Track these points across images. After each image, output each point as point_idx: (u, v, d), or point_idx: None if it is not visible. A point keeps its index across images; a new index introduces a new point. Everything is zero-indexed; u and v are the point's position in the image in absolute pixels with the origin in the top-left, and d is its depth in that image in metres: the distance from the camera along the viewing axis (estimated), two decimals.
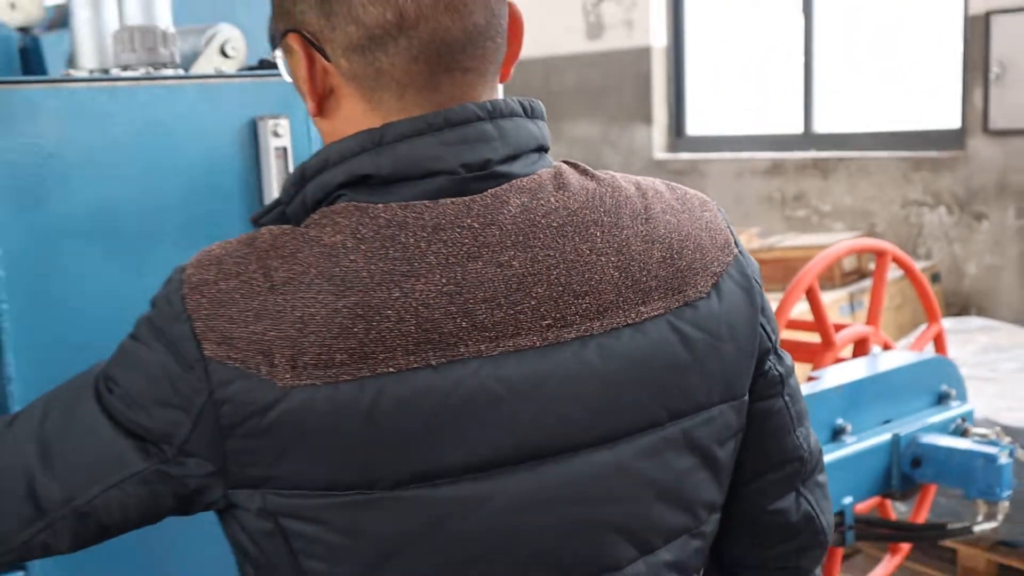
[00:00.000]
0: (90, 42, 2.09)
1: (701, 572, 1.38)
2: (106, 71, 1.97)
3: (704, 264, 1.29)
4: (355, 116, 1.25)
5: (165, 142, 1.85)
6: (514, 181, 1.23)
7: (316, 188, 1.22)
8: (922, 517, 3.28)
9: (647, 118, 7.90)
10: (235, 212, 1.92)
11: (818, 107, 7.22)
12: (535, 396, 1.20)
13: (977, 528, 2.91)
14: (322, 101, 1.26)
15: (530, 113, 1.27)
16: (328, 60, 1.23)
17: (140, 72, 1.85)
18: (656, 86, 7.88)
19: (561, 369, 1.21)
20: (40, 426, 1.26)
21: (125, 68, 1.90)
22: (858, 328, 3.21)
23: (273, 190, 1.91)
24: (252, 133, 1.92)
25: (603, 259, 1.23)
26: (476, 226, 1.20)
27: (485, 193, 1.21)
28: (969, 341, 5.08)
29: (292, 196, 1.25)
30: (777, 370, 1.38)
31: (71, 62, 2.17)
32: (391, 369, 1.15)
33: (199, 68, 2.14)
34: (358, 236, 1.17)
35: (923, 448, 2.89)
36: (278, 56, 1.30)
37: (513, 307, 1.19)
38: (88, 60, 2.09)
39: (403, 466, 1.18)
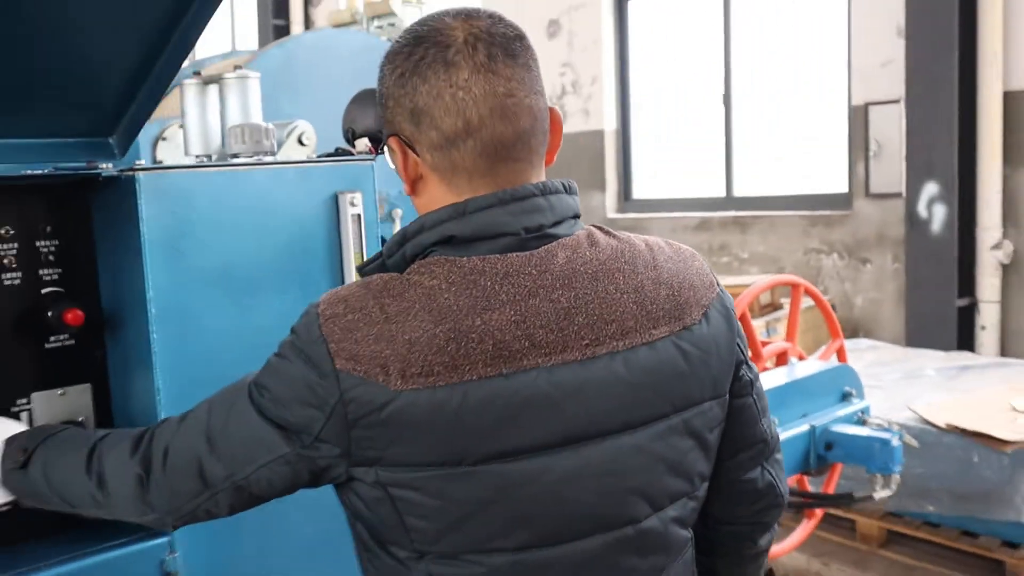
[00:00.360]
0: (197, 134, 2.12)
1: (692, 526, 1.41)
2: (224, 157, 1.99)
3: (696, 299, 1.33)
4: (438, 195, 1.30)
5: (270, 211, 1.85)
6: (560, 240, 1.28)
7: (414, 246, 1.28)
8: (831, 489, 3.30)
9: (601, 186, 7.92)
10: (321, 265, 1.91)
11: (737, 175, 7.27)
12: (577, 396, 1.25)
13: (876, 496, 2.95)
14: (414, 184, 1.32)
15: (568, 190, 1.32)
16: (417, 155, 1.29)
17: (252, 159, 1.89)
18: (608, 160, 7.91)
19: (596, 376, 1.25)
20: (206, 423, 1.31)
21: (236, 156, 1.92)
22: (779, 344, 3.22)
23: (350, 247, 1.91)
24: (334, 204, 1.92)
25: (625, 296, 1.28)
26: (535, 273, 1.25)
27: (540, 249, 1.27)
28: (859, 358, 5.07)
29: (393, 252, 1.30)
30: (748, 376, 1.42)
31: (185, 149, 2.18)
32: (474, 377, 1.20)
33: (283, 154, 2.16)
34: (449, 280, 1.22)
35: (833, 435, 2.94)
36: (385, 151, 1.35)
37: (561, 331, 1.24)
38: (196, 148, 2.12)
39: (481, 448, 1.22)
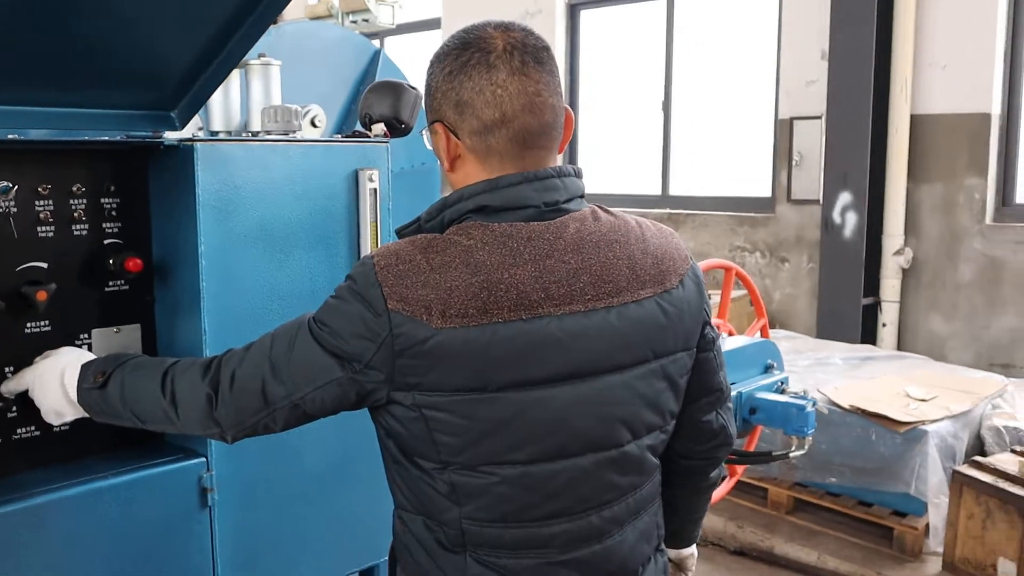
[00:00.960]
0: (220, 112, 2.17)
1: (660, 456, 1.56)
2: (252, 133, 2.10)
3: (675, 268, 1.49)
4: (473, 172, 1.45)
5: (302, 181, 1.97)
6: (571, 214, 1.43)
7: (453, 212, 1.43)
8: (751, 449, 3.41)
9: None
10: (342, 228, 2.03)
11: (673, 176, 7.35)
12: (580, 339, 1.39)
13: (792, 454, 3.04)
14: (453, 162, 1.46)
15: (577, 174, 1.48)
16: (459, 139, 1.45)
17: (286, 135, 2.01)
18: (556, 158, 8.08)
19: (595, 325, 1.40)
20: (270, 351, 1.45)
21: (268, 132, 2.04)
22: (713, 321, 3.33)
23: (367, 215, 2.05)
24: (354, 178, 2.05)
25: (620, 262, 1.43)
26: (551, 239, 1.40)
27: (555, 220, 1.42)
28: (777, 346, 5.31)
29: (433, 217, 1.45)
30: (711, 335, 1.58)
31: (206, 126, 2.22)
32: (500, 320, 1.34)
33: (298, 133, 2.26)
34: (484, 241, 1.38)
35: (757, 401, 3.04)
36: (425, 135, 1.49)
37: (570, 287, 1.38)
38: (217, 124, 2.18)
39: (503, 378, 1.36)
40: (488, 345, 1.35)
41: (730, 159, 7.16)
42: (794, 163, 6.38)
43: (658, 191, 7.42)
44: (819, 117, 6.19)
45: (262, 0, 1.69)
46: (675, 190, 7.35)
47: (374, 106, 2.15)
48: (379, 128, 2.15)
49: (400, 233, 1.51)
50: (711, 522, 4.58)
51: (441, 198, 1.46)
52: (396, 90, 2.09)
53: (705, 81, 7.21)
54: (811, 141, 6.26)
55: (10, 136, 1.67)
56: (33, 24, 1.56)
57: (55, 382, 1.64)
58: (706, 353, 1.59)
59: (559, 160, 1.51)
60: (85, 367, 1.63)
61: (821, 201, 6.16)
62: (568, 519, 1.45)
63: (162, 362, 1.58)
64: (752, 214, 6.75)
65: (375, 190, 2.06)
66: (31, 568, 1.67)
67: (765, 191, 6.77)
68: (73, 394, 1.61)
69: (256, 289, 1.92)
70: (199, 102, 1.86)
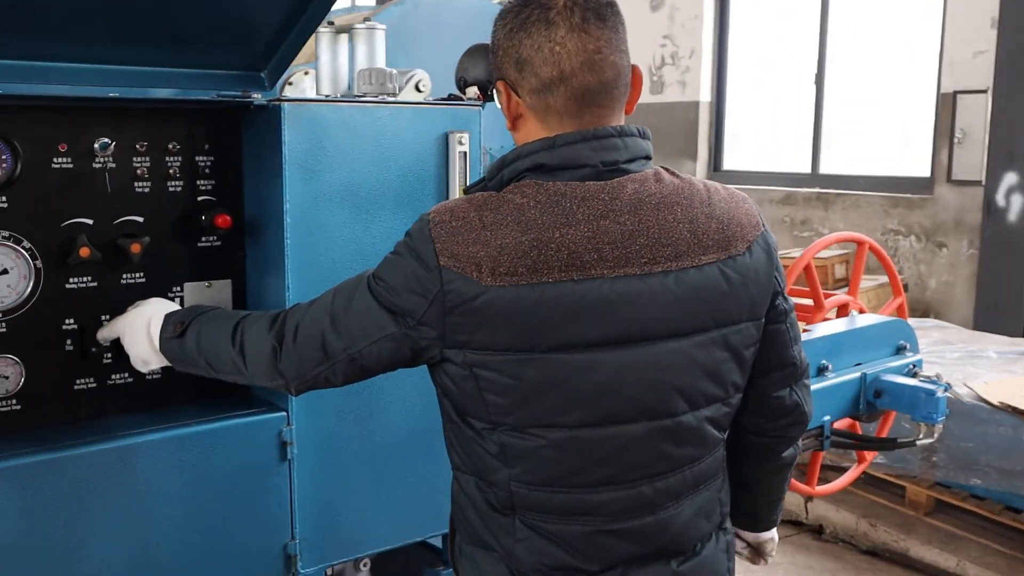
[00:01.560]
0: (328, 76, 2.25)
1: (726, 431, 1.54)
2: (351, 96, 2.13)
3: (742, 235, 1.46)
4: (534, 131, 1.45)
5: (391, 143, 1.98)
6: (631, 175, 1.42)
7: (511, 171, 1.44)
8: (884, 434, 3.26)
9: (693, 155, 7.91)
10: (430, 190, 2.04)
11: (824, 154, 7.19)
12: (633, 303, 1.37)
13: (919, 442, 2.91)
14: (514, 121, 1.48)
15: (642, 135, 1.47)
16: (519, 97, 1.45)
17: (378, 98, 2.02)
18: (701, 131, 7.88)
19: (650, 289, 1.38)
20: (331, 305, 1.48)
21: (365, 95, 2.07)
22: (841, 296, 3.19)
23: (456, 178, 2.05)
24: (444, 141, 2.05)
25: (680, 226, 1.41)
26: (607, 199, 1.39)
27: (613, 181, 1.41)
28: (925, 336, 4.98)
29: (494, 175, 1.46)
30: (783, 306, 1.55)
31: (316, 89, 2.28)
32: (550, 280, 1.34)
33: (402, 98, 2.22)
34: (537, 199, 1.38)
35: (883, 384, 2.90)
36: (494, 93, 1.50)
37: (625, 249, 1.37)
38: (326, 88, 2.25)
39: (551, 339, 1.36)
40: (537, 305, 1.35)
41: (886, 136, 6.97)
42: (956, 140, 6.16)
43: (808, 169, 7.28)
44: (985, 91, 5.97)
45: None
46: (825, 168, 7.21)
47: (469, 69, 2.16)
48: (473, 91, 2.16)
49: (467, 191, 1.52)
50: (842, 519, 4.47)
51: (502, 156, 1.47)
52: None
53: (861, 52, 7.01)
54: (975, 117, 6.04)
55: (111, 94, 1.77)
56: None
57: (142, 331, 1.73)
58: (777, 325, 1.56)
59: (623, 120, 1.49)
60: (168, 317, 1.71)
61: (984, 182, 5.95)
62: (618, 487, 1.44)
63: (236, 314, 1.64)
64: (908, 195, 6.56)
65: (465, 153, 2.07)
66: (117, 506, 1.77)
67: (923, 171, 6.58)
68: (157, 343, 1.70)
69: (341, 248, 1.95)
70: (286, 62, 1.92)
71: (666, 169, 1.49)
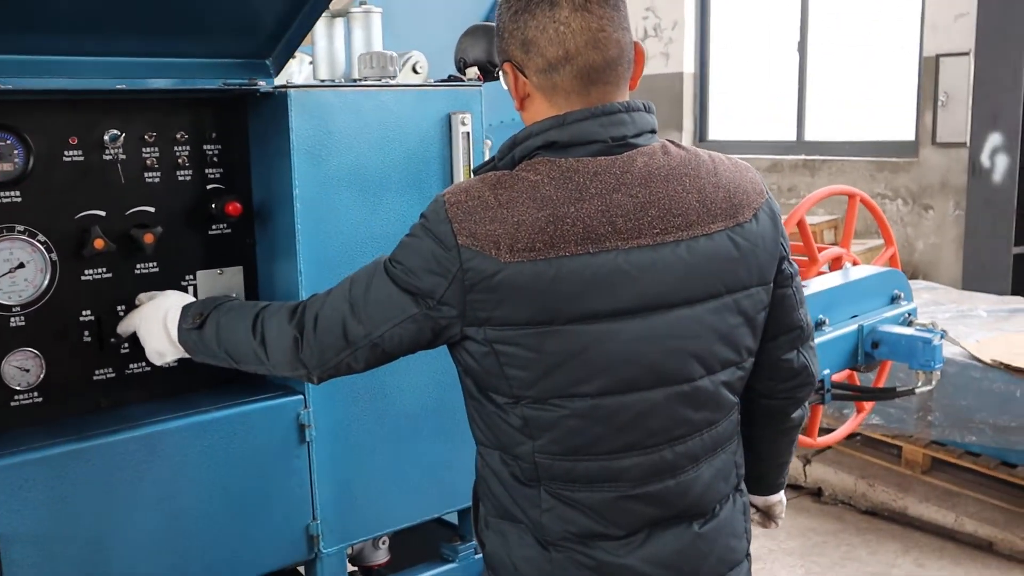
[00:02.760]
0: (325, 61, 2.26)
1: (740, 395, 1.57)
2: (353, 80, 2.14)
3: (748, 202, 1.49)
4: (542, 110, 1.48)
5: (395, 126, 1.99)
6: (640, 148, 1.45)
7: (523, 149, 1.46)
8: (882, 384, 3.30)
9: (679, 126, 7.93)
10: (435, 172, 2.06)
11: (808, 121, 7.21)
12: (648, 273, 1.41)
13: (917, 390, 2.93)
14: (523, 101, 1.50)
15: (647, 109, 1.50)
16: (526, 77, 1.47)
17: (381, 81, 2.03)
18: (685, 102, 7.90)
19: (663, 258, 1.41)
20: (349, 292, 1.51)
21: (366, 79, 2.07)
22: (834, 250, 3.20)
23: (459, 159, 2.06)
24: (447, 122, 2.06)
25: (689, 196, 1.44)
26: (618, 173, 1.42)
27: (623, 155, 1.44)
28: (916, 297, 4.75)
29: (505, 154, 1.49)
30: (789, 270, 1.58)
31: (314, 74, 2.31)
32: (567, 254, 1.37)
33: (399, 80, 2.24)
34: (550, 176, 1.40)
35: (880, 334, 2.93)
36: (500, 75, 1.52)
37: (637, 221, 1.41)
38: (323, 73, 2.26)
39: (570, 311, 1.38)
40: (555, 278, 1.38)
41: (870, 101, 6.98)
42: (940, 103, 6.19)
43: (793, 137, 7.31)
44: (967, 53, 5.98)
45: None
46: (811, 135, 7.24)
47: (468, 50, 2.19)
48: (473, 72, 2.18)
49: (476, 172, 1.54)
50: (841, 480, 4.53)
51: (512, 136, 1.50)
52: (490, 33, 2.12)
53: (843, 18, 7.00)
54: (958, 79, 6.06)
55: (119, 86, 1.79)
56: None
57: (158, 324, 1.75)
58: (784, 289, 1.59)
59: (628, 96, 1.52)
60: (185, 309, 1.73)
61: (968, 144, 5.95)
62: (640, 452, 1.47)
63: (255, 305, 1.66)
64: (893, 159, 6.58)
65: (468, 133, 2.08)
66: (143, 492, 1.80)
67: (908, 134, 6.60)
68: (175, 335, 1.72)
69: (350, 231, 1.97)
70: (291, 49, 1.93)
71: (672, 142, 1.52)
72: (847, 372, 3.06)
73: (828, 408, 3.74)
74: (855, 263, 3.27)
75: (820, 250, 3.16)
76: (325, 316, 1.52)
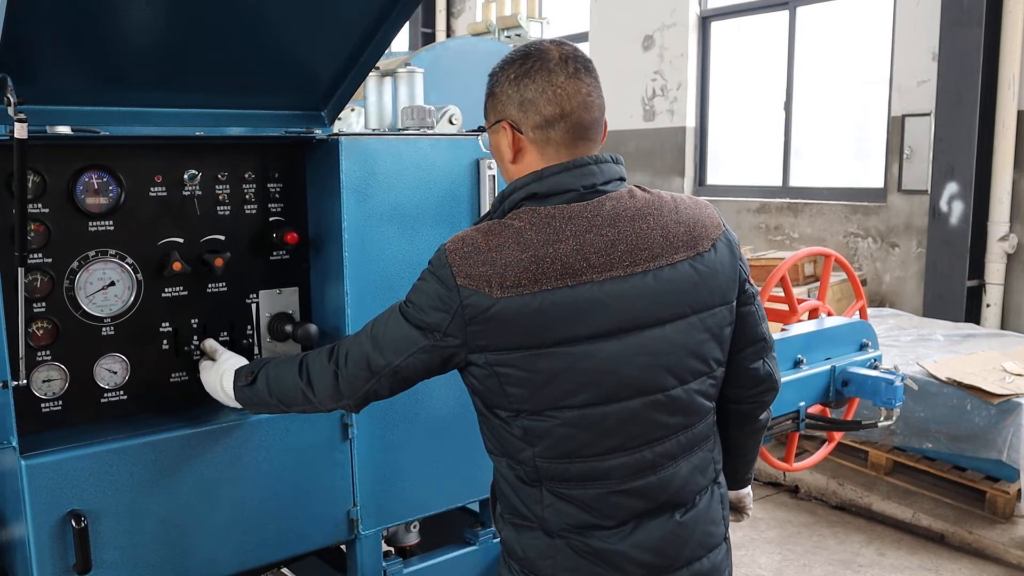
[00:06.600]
0: (375, 114, 2.24)
1: (714, 400, 1.54)
2: (397, 130, 2.13)
3: (707, 234, 1.47)
4: (534, 162, 1.46)
5: (431, 169, 1.99)
6: (608, 194, 1.44)
7: (510, 202, 1.45)
8: (850, 417, 3.30)
9: (681, 172, 7.86)
10: (465, 209, 2.05)
11: (793, 168, 7.14)
12: (621, 300, 1.39)
13: (879, 424, 2.95)
14: (516, 155, 1.47)
15: (615, 160, 1.47)
16: (522, 134, 1.45)
17: (419, 131, 2.04)
18: (687, 152, 7.83)
19: (634, 286, 1.40)
20: (371, 332, 1.49)
21: (407, 129, 2.08)
22: (813, 302, 3.24)
23: (485, 199, 2.04)
24: (476, 167, 2.05)
25: (654, 232, 1.43)
26: (589, 216, 1.41)
27: (593, 200, 1.42)
28: (883, 322, 5.09)
29: (497, 206, 1.48)
30: (751, 291, 1.55)
31: (366, 124, 2.30)
32: (549, 287, 1.36)
33: (437, 129, 2.22)
34: (531, 222, 1.39)
35: (849, 375, 2.95)
36: (480, 139, 1.48)
37: (608, 256, 1.39)
38: (373, 123, 2.24)
39: (555, 335, 1.38)
40: (538, 309, 1.37)
41: (846, 153, 6.92)
42: (905, 156, 6.11)
43: (779, 182, 7.25)
44: (929, 114, 5.92)
45: (393, 10, 1.75)
46: (795, 181, 7.16)
47: None
48: None
49: (479, 222, 1.52)
50: (814, 480, 4.46)
51: (501, 191, 1.49)
52: None
53: (823, 83, 6.96)
54: (921, 136, 6.00)
55: (197, 133, 1.78)
56: (213, 41, 1.66)
57: (217, 387, 1.74)
58: (747, 307, 1.57)
59: (599, 151, 1.51)
60: (238, 372, 1.70)
61: (929, 191, 5.87)
62: (623, 454, 1.45)
63: (297, 356, 1.62)
64: (865, 203, 6.50)
65: (493, 176, 2.07)
66: (210, 478, 1.79)
67: (878, 182, 6.53)
68: (231, 393, 1.70)
69: (390, 259, 1.96)
70: (342, 103, 1.92)
71: (639, 187, 1.50)
72: (820, 407, 3.06)
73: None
74: (830, 314, 3.28)
75: (799, 302, 3.19)
76: (354, 352, 1.50)
